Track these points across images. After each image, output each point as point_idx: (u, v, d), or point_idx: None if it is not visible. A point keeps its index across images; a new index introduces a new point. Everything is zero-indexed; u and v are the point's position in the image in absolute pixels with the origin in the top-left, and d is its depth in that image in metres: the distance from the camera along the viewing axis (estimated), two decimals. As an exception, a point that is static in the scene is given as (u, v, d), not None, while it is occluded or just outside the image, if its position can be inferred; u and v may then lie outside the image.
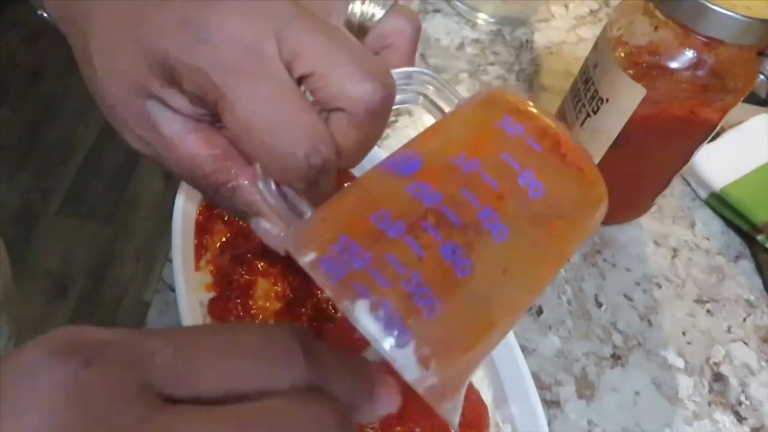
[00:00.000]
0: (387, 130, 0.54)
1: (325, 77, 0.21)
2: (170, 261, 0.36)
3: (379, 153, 0.44)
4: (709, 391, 0.43)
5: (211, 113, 0.23)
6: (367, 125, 0.22)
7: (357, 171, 0.43)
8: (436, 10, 0.65)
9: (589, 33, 0.67)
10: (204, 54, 0.20)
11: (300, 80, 0.21)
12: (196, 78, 0.21)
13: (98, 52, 0.22)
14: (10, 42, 1.76)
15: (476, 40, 0.64)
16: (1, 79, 1.67)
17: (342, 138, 0.22)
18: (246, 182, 0.23)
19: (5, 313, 0.54)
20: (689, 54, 0.38)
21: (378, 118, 0.22)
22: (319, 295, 0.38)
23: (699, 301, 0.48)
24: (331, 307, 0.37)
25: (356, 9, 0.26)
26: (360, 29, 0.25)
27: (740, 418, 0.42)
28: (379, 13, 0.25)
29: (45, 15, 0.26)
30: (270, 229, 0.24)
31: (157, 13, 0.21)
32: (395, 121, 0.55)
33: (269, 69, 0.20)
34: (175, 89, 0.22)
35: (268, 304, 0.37)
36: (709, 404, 0.42)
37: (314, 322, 0.36)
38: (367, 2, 0.25)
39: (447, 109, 0.25)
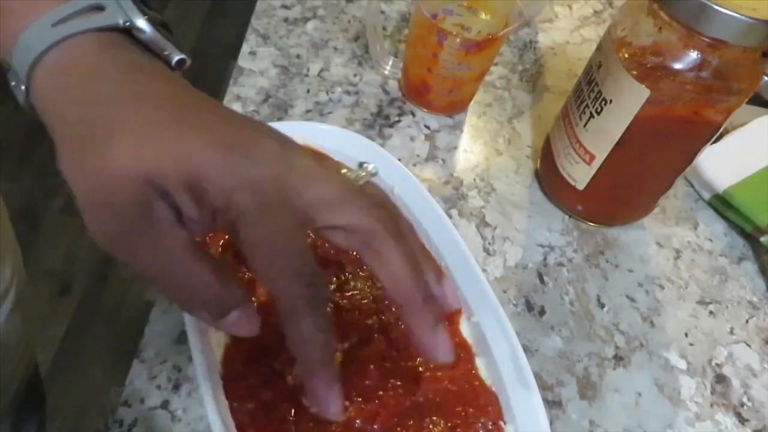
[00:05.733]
0: (390, 130, 0.54)
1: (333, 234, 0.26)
2: (173, 259, 0.37)
3: (384, 152, 0.44)
4: (712, 393, 0.43)
5: (210, 221, 0.24)
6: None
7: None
8: (440, 10, 0.65)
9: (593, 34, 0.67)
10: (245, 174, 0.23)
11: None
12: (225, 196, 0.23)
13: (133, 130, 0.23)
14: (14, 40, 1.76)
15: (480, 41, 0.64)
16: (4, 78, 1.67)
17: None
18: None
19: (19, 313, 0.54)
20: (693, 55, 0.38)
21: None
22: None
23: (701, 302, 0.48)
24: (330, 305, 0.37)
25: None
26: None
27: (742, 420, 0.42)
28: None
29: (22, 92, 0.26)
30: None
31: (206, 130, 0.23)
32: (398, 122, 0.55)
33: (289, 206, 0.23)
34: (190, 196, 0.23)
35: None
36: (711, 405, 0.42)
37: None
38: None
39: None
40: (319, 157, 0.26)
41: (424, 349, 0.26)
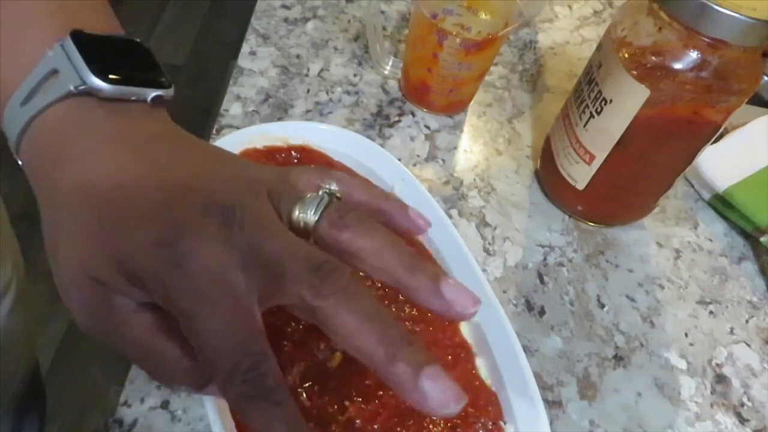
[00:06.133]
0: (390, 130, 0.54)
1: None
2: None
3: (384, 152, 0.44)
4: (712, 393, 0.43)
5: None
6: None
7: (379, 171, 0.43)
8: (440, 10, 0.65)
9: (593, 34, 0.67)
10: (175, 276, 0.22)
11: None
12: (161, 292, 0.22)
13: (69, 233, 0.23)
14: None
15: (480, 41, 0.64)
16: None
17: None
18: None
19: (20, 309, 0.54)
20: (693, 55, 0.38)
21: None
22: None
23: (702, 302, 0.48)
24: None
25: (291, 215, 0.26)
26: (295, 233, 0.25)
27: (742, 420, 0.42)
28: (312, 219, 0.25)
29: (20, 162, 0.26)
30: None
31: (135, 227, 0.22)
32: (398, 122, 0.55)
33: (232, 298, 0.22)
34: (139, 288, 0.23)
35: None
36: (711, 405, 0.42)
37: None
38: (298, 211, 0.25)
39: None
40: (265, 213, 0.24)
41: (417, 406, 0.22)
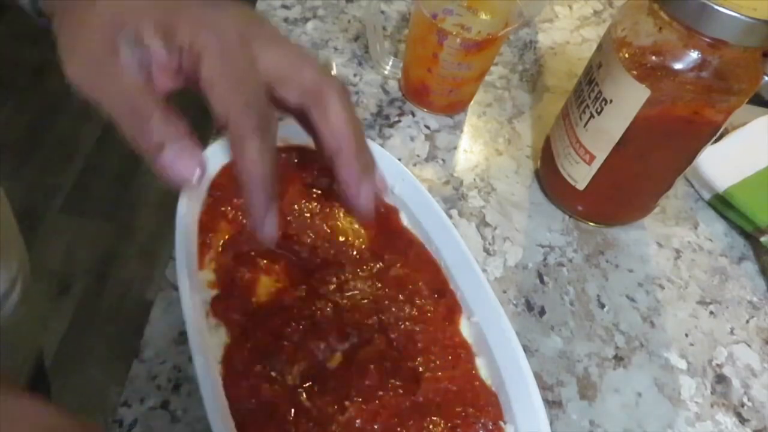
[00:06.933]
0: (390, 130, 0.54)
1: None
2: (174, 259, 0.37)
3: (384, 152, 0.44)
4: (712, 393, 0.43)
5: (177, 66, 0.28)
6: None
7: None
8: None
9: (593, 34, 0.67)
10: (211, 22, 0.27)
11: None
12: (193, 34, 0.26)
13: None
14: (13, 40, 1.76)
15: (480, 41, 0.64)
16: (4, 78, 1.68)
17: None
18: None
19: (26, 307, 0.54)
20: (693, 55, 0.38)
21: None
22: (321, 291, 0.38)
23: (702, 302, 0.48)
24: (330, 305, 0.37)
25: None
26: None
27: (742, 420, 0.42)
28: None
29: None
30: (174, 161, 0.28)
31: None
32: (398, 122, 0.55)
33: (249, 53, 0.27)
34: (161, 39, 0.27)
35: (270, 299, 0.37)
36: (712, 405, 0.42)
37: (316, 317, 0.36)
38: None
39: None
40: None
41: (347, 196, 0.29)
